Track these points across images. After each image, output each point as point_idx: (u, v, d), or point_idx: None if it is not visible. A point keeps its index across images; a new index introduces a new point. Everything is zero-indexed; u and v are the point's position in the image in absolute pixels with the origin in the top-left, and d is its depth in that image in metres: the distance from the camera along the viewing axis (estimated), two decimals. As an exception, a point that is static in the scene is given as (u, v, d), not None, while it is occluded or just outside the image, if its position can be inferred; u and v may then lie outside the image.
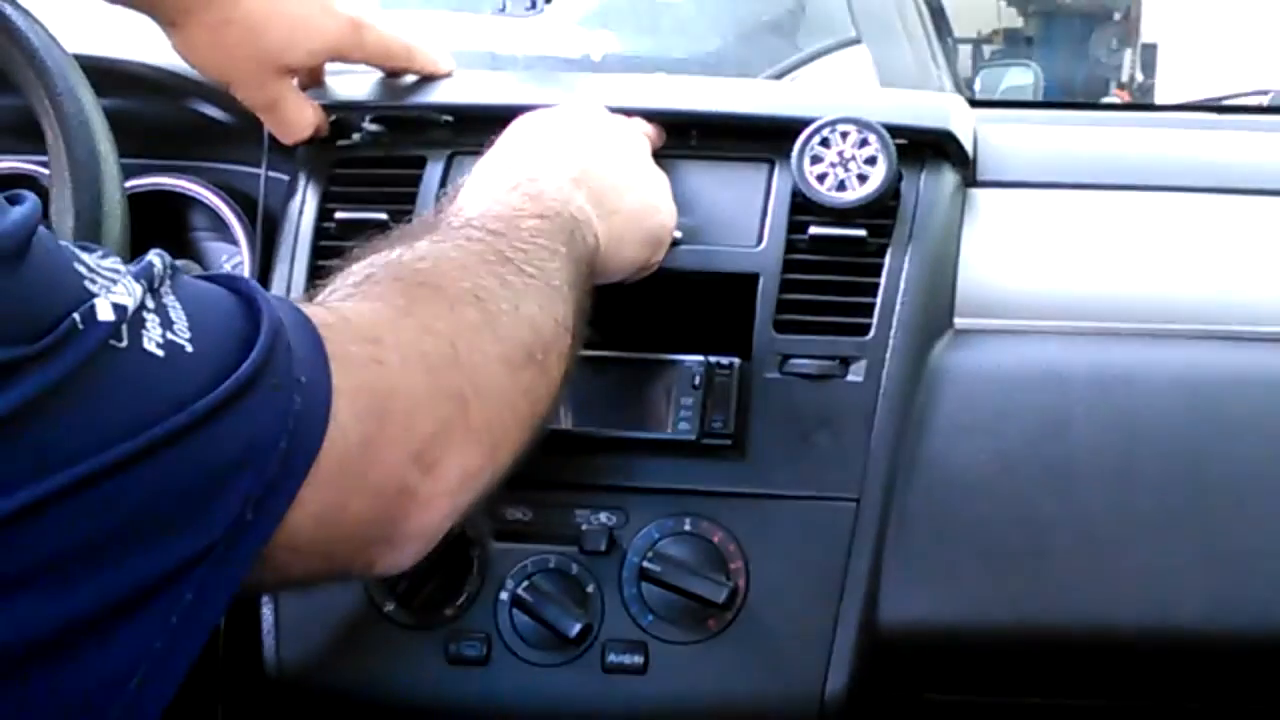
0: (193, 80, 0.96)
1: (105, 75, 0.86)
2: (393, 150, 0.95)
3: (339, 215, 0.91)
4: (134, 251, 0.83)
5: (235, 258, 0.98)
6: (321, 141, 0.96)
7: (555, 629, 0.80)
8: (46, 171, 0.83)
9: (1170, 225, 0.94)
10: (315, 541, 0.52)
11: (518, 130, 0.78)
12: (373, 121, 0.97)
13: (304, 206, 0.93)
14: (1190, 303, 0.90)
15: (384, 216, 0.90)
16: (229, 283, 0.54)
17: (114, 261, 0.49)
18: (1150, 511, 0.83)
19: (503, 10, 1.04)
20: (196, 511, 0.47)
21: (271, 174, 0.95)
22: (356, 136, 0.97)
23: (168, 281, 0.50)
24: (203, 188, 0.98)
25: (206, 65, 0.88)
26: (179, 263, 0.51)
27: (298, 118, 0.91)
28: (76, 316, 0.45)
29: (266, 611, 0.83)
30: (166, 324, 0.48)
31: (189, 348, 0.48)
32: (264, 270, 0.93)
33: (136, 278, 0.48)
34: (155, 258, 0.50)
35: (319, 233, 0.92)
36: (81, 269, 0.47)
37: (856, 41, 2.25)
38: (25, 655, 0.44)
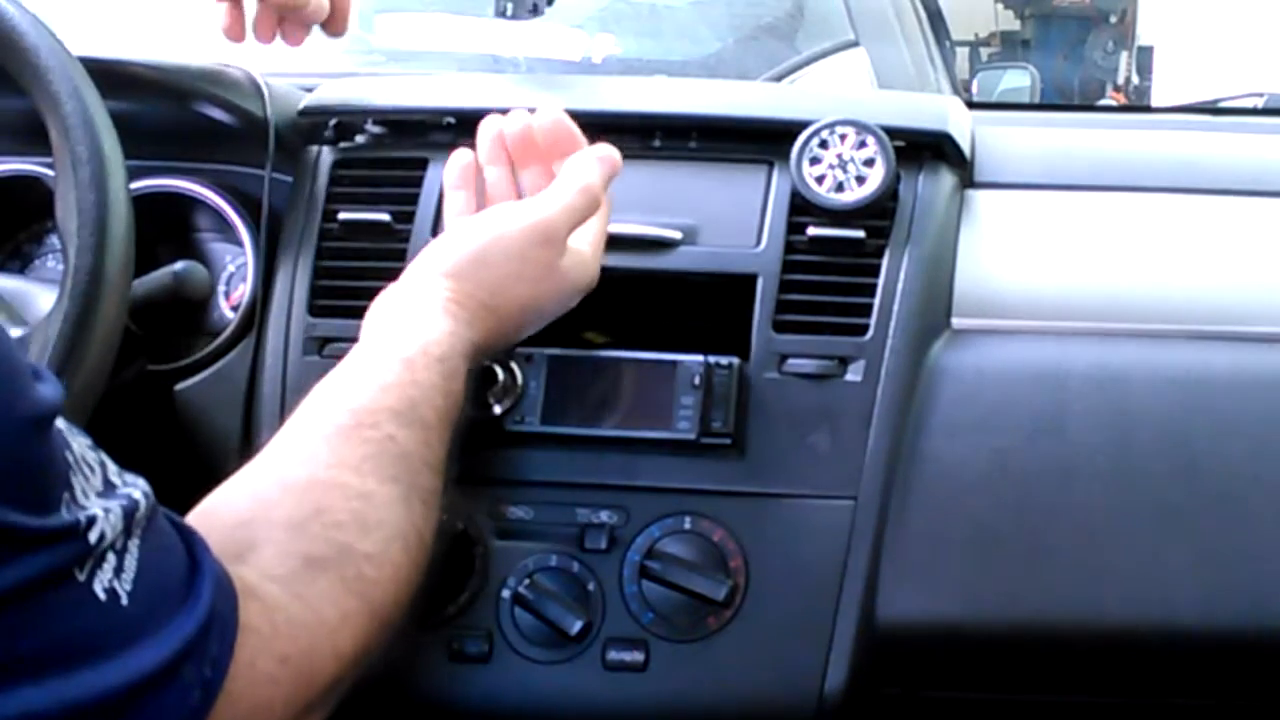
0: (197, 82, 0.96)
1: (109, 77, 0.86)
2: (395, 152, 0.95)
3: (342, 216, 0.92)
4: (138, 252, 0.83)
5: (239, 258, 0.99)
6: (325, 143, 0.97)
7: (556, 626, 0.81)
8: (51, 173, 0.84)
9: (1166, 226, 0.95)
10: None
11: (386, 297, 0.78)
12: (375, 124, 0.97)
13: (307, 207, 0.93)
14: (1185, 303, 0.90)
15: (386, 217, 0.91)
16: (188, 543, 0.56)
17: (107, 476, 0.52)
18: (1146, 510, 0.83)
19: (504, 13, 1.04)
20: None
21: (275, 175, 0.96)
22: (359, 138, 0.97)
23: (139, 529, 0.52)
24: (207, 189, 0.98)
25: None
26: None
27: None
28: (82, 520, 0.49)
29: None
30: (118, 570, 0.50)
31: (125, 600, 0.50)
32: (268, 270, 0.94)
33: (125, 513, 0.51)
34: (142, 498, 0.53)
35: (322, 233, 0.92)
36: (87, 468, 0.51)
37: (855, 44, 2.26)
38: None
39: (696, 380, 0.84)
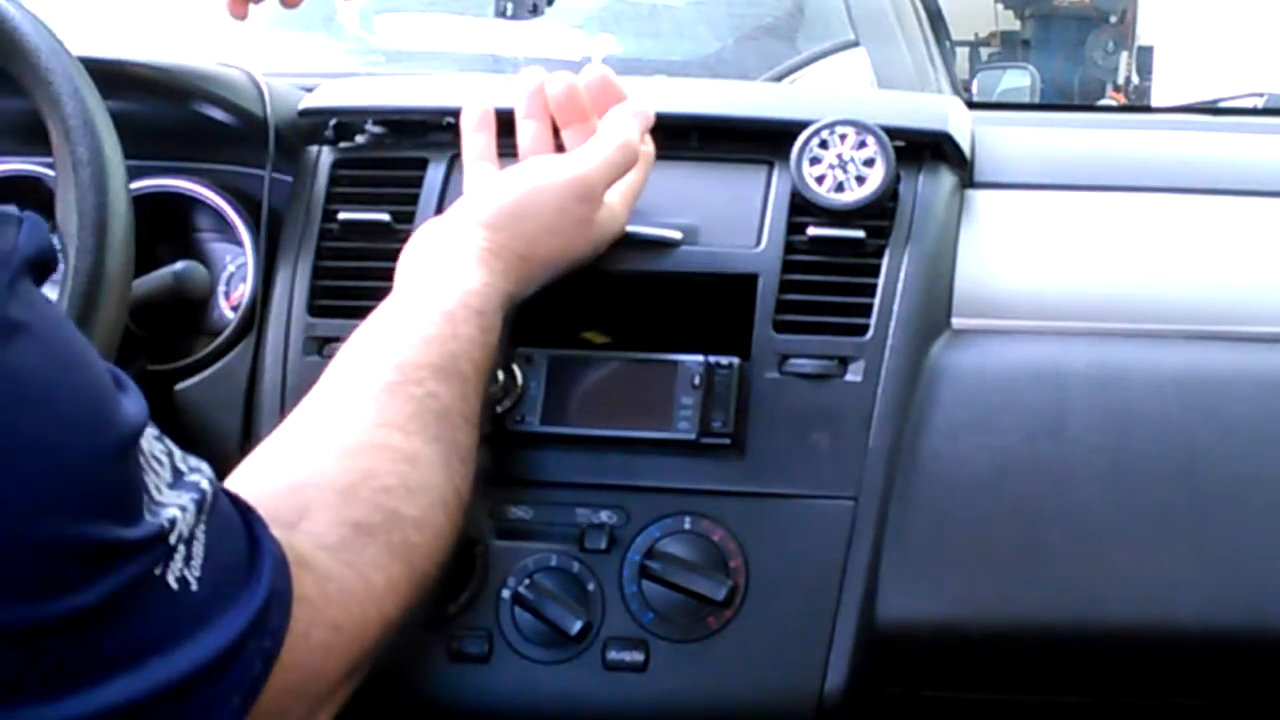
0: (197, 82, 0.96)
1: (110, 77, 0.86)
2: (395, 152, 0.95)
3: (342, 216, 0.92)
4: (138, 252, 0.83)
5: (239, 258, 0.99)
6: (325, 143, 0.97)
7: (556, 626, 0.81)
8: (52, 173, 0.84)
9: (1166, 226, 0.95)
10: None
11: (415, 247, 0.80)
12: (375, 124, 0.97)
13: (307, 207, 0.93)
14: (1185, 303, 0.90)
15: (386, 218, 0.91)
16: (247, 522, 0.57)
17: (175, 465, 0.53)
18: (1146, 510, 0.83)
19: (504, 13, 1.04)
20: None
21: (275, 175, 0.96)
22: (359, 139, 0.97)
23: (206, 516, 0.53)
24: (207, 189, 0.98)
25: None
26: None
27: None
28: (165, 523, 0.50)
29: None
30: (188, 559, 0.52)
31: (195, 586, 0.52)
32: (268, 270, 0.94)
33: (196, 505, 0.53)
34: (208, 484, 0.54)
35: (323, 234, 0.92)
36: (157, 463, 0.52)
37: (855, 44, 2.26)
38: None
39: (696, 380, 0.84)
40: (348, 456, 0.66)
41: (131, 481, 0.50)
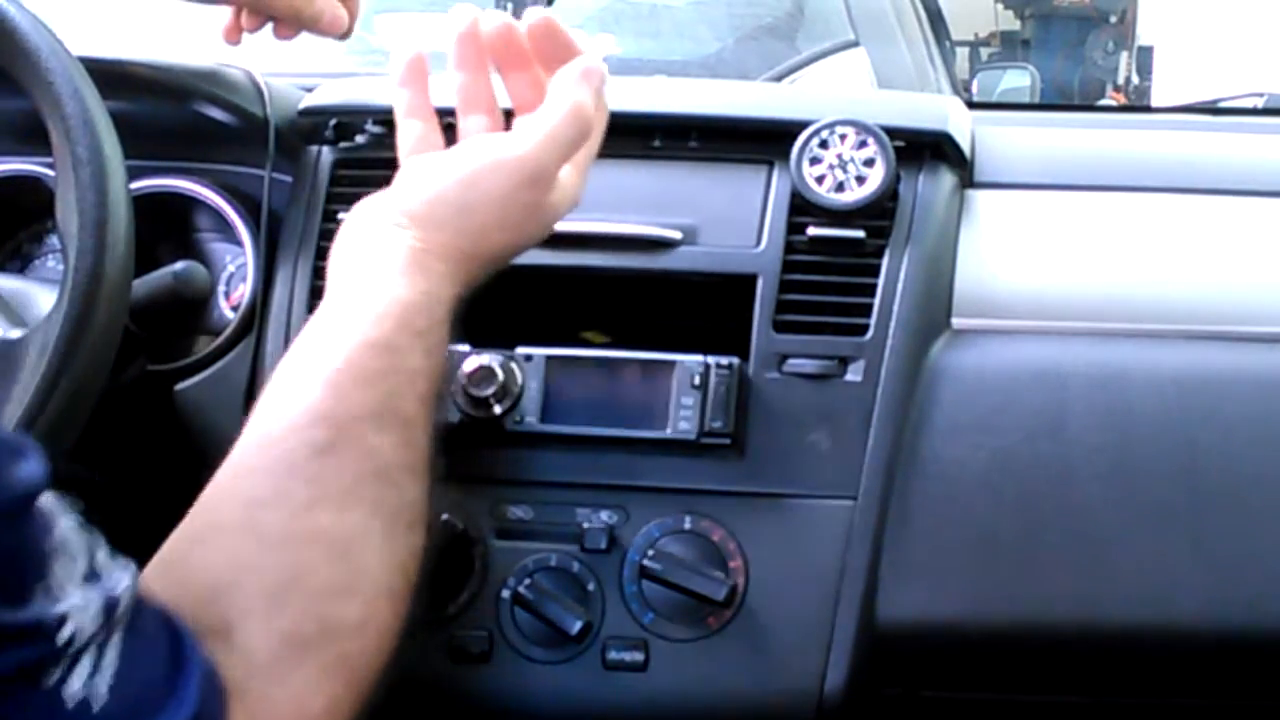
0: (197, 82, 0.96)
1: (110, 77, 0.86)
2: (395, 152, 0.95)
3: (342, 216, 0.90)
4: (138, 252, 0.83)
5: (239, 258, 0.99)
6: (325, 143, 0.97)
7: (556, 626, 0.81)
8: (52, 173, 0.84)
9: (1166, 226, 0.95)
10: None
11: (346, 245, 0.69)
12: (375, 124, 0.97)
13: (307, 208, 0.93)
14: (1185, 303, 0.90)
15: (386, 217, 0.91)
16: (174, 637, 0.52)
17: (93, 563, 0.48)
18: (1146, 510, 0.83)
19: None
20: None
21: (275, 175, 0.96)
22: (359, 138, 0.97)
23: (122, 624, 0.49)
24: (207, 189, 0.98)
25: None
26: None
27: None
28: (53, 617, 0.45)
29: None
30: (95, 670, 0.47)
31: (97, 705, 0.47)
32: (268, 270, 0.94)
33: (105, 607, 0.48)
34: (127, 590, 0.49)
35: (322, 233, 0.92)
36: (60, 561, 0.46)
37: (855, 44, 2.26)
38: None
39: (696, 380, 0.84)
40: (275, 550, 0.58)
41: (15, 557, 0.45)
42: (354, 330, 0.63)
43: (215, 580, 0.56)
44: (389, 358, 0.63)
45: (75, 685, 0.46)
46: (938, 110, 0.96)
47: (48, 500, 0.47)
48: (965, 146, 0.94)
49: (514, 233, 0.71)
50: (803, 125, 0.90)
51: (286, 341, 0.90)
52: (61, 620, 0.45)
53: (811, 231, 0.88)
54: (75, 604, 0.46)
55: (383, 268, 0.66)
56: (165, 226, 1.00)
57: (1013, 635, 0.84)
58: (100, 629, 0.47)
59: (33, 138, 0.86)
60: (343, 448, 0.60)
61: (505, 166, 0.70)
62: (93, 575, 0.48)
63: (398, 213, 0.68)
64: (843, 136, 0.89)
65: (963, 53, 7.19)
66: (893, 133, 0.90)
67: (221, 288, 1.01)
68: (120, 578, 0.49)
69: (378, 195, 0.70)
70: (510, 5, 1.05)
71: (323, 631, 0.57)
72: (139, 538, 0.57)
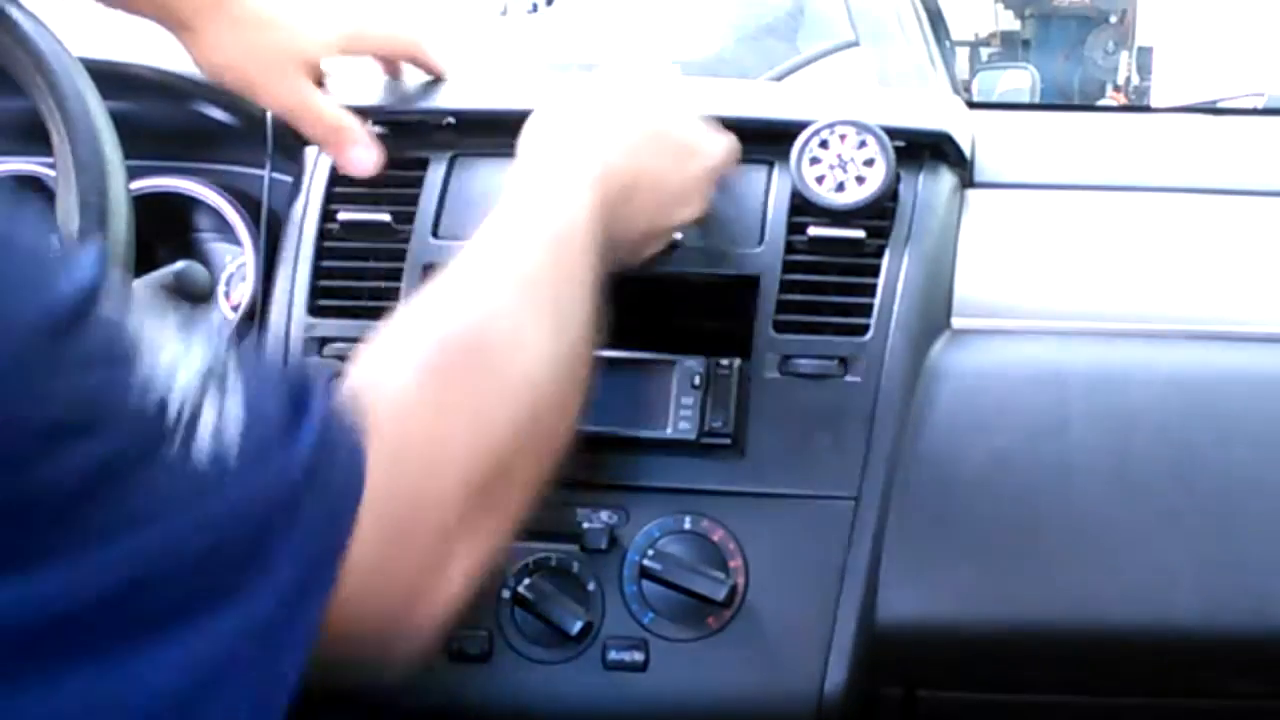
0: (197, 82, 0.96)
1: (110, 77, 0.86)
2: (395, 152, 0.95)
3: (342, 216, 0.92)
4: (138, 252, 0.83)
5: (239, 258, 0.99)
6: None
7: (556, 626, 0.81)
8: (52, 173, 0.84)
9: (1166, 226, 0.95)
10: (332, 637, 0.53)
11: (537, 137, 0.75)
12: (375, 124, 0.97)
13: (307, 207, 0.93)
14: (1185, 303, 0.90)
15: (386, 218, 0.91)
16: (284, 368, 0.55)
17: (181, 336, 0.49)
18: (1146, 510, 0.83)
19: (504, 13, 1.04)
20: (236, 604, 0.48)
21: (275, 175, 0.96)
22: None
23: (230, 376, 0.50)
24: (207, 189, 0.98)
25: (223, 68, 0.88)
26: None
27: (328, 112, 0.89)
28: (160, 393, 0.46)
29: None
30: (220, 421, 0.48)
31: (233, 450, 0.48)
32: (268, 270, 0.94)
33: (205, 371, 0.49)
34: (218, 347, 0.50)
35: (322, 234, 0.92)
36: (154, 344, 0.48)
37: (855, 44, 2.26)
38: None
39: (697, 380, 0.84)
40: (421, 310, 0.62)
41: (101, 348, 0.46)
42: (538, 220, 0.68)
43: (369, 349, 0.60)
44: (561, 249, 0.68)
45: (203, 442, 0.47)
46: (938, 110, 0.96)
47: (116, 296, 0.48)
48: (965, 146, 0.94)
49: (666, 185, 0.77)
50: (802, 125, 0.89)
51: (286, 341, 0.90)
52: (167, 391, 0.47)
53: (812, 232, 0.88)
54: (177, 375, 0.48)
55: (560, 182, 0.71)
56: (165, 226, 1.00)
57: (1012, 635, 0.84)
58: (205, 387, 0.48)
59: (33, 138, 0.86)
60: (508, 262, 0.65)
61: (700, 154, 0.79)
62: (188, 339, 0.49)
63: (573, 137, 0.74)
64: (843, 137, 0.89)
65: (963, 53, 7.19)
66: (893, 133, 0.90)
67: (221, 288, 1.01)
68: (209, 336, 0.51)
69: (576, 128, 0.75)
70: (507, 7, 1.05)
71: (467, 349, 0.60)
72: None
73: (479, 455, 0.58)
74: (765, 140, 0.92)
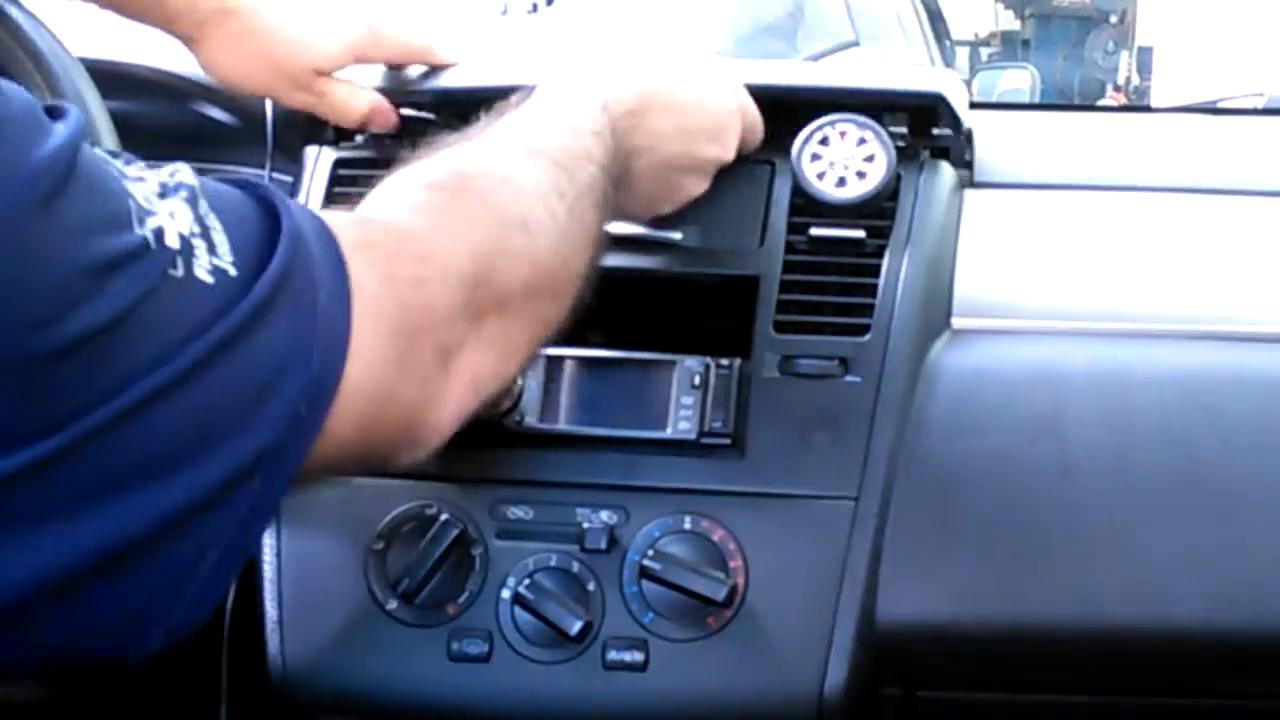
0: (197, 82, 0.96)
1: (110, 78, 0.86)
2: (395, 152, 0.95)
3: (342, 216, 0.92)
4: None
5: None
6: (325, 143, 0.97)
7: (556, 626, 0.81)
8: (52, 173, 0.84)
9: (1166, 226, 0.95)
10: (354, 432, 0.55)
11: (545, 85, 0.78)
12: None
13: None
14: (1186, 303, 0.90)
15: (386, 218, 0.91)
16: (250, 190, 0.55)
17: (154, 174, 0.51)
18: (1146, 510, 0.83)
19: (504, 13, 1.04)
20: (258, 411, 0.50)
21: (275, 175, 0.96)
22: (359, 138, 0.97)
23: (202, 199, 0.51)
24: (206, 189, 0.98)
25: (233, 77, 0.88)
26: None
27: (351, 99, 0.90)
28: (149, 235, 0.48)
29: (270, 609, 0.84)
30: (211, 248, 0.50)
31: (232, 271, 0.50)
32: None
33: (188, 202, 0.50)
34: (187, 175, 0.52)
35: (322, 234, 0.92)
36: (133, 187, 0.49)
37: (855, 44, 2.26)
38: (125, 550, 0.48)
39: (696, 380, 0.84)
40: (434, 160, 0.66)
41: (92, 192, 0.47)
42: (551, 112, 0.72)
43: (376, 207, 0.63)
44: (572, 128, 0.71)
45: (204, 264, 0.49)
46: (934, 77, 0.96)
47: (95, 150, 0.50)
48: (962, 114, 0.94)
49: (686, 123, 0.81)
50: (820, 93, 0.90)
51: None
52: (161, 228, 0.48)
53: (813, 231, 0.88)
54: (164, 211, 0.49)
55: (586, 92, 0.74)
56: (165, 226, 1.00)
57: (1013, 635, 0.84)
58: (195, 220, 0.50)
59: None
60: (528, 155, 0.68)
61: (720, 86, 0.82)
62: (165, 184, 0.51)
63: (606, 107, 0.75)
64: (844, 133, 0.89)
65: (963, 53, 7.19)
66: (891, 105, 0.89)
67: (222, 288, 1.01)
68: (184, 174, 0.52)
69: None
70: (507, 6, 1.05)
71: (457, 174, 0.64)
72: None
73: (471, 260, 0.61)
74: (766, 140, 0.92)
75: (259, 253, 0.52)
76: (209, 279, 0.49)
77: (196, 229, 0.50)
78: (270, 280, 0.51)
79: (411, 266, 0.58)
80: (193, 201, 0.51)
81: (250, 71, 0.87)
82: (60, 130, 0.47)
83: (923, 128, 0.93)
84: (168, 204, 0.50)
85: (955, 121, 0.94)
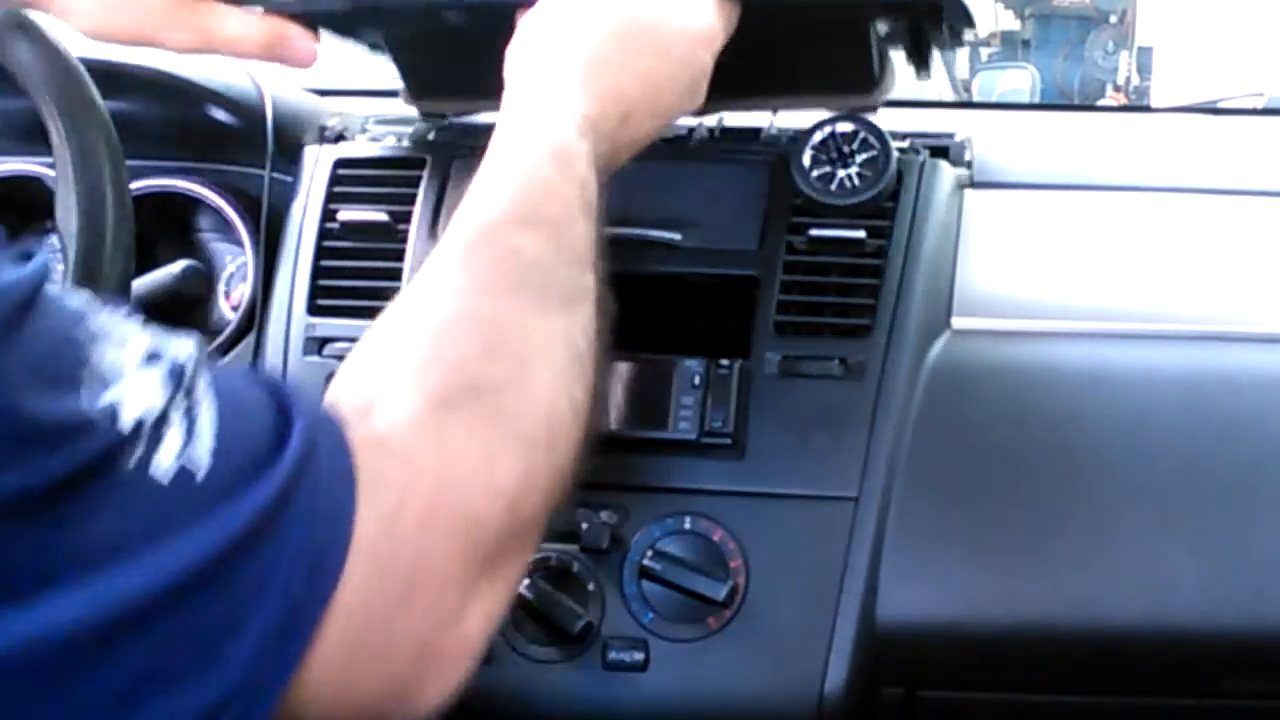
0: (197, 82, 0.97)
1: (110, 77, 0.86)
2: (395, 152, 0.95)
3: (341, 216, 0.92)
4: (138, 252, 0.83)
5: (239, 258, 0.99)
6: (325, 143, 0.97)
7: (557, 626, 0.81)
8: (52, 173, 0.84)
9: (1166, 226, 0.95)
10: (330, 692, 0.48)
11: (522, 56, 0.70)
12: (375, 124, 0.98)
13: (307, 207, 0.93)
14: (1186, 303, 0.90)
15: (385, 217, 0.91)
16: (267, 387, 0.49)
17: (144, 338, 0.45)
18: (1146, 510, 0.83)
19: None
20: (211, 657, 0.43)
21: (275, 175, 0.96)
22: (359, 138, 0.98)
23: (200, 380, 0.45)
24: (207, 189, 0.98)
25: (97, 26, 0.73)
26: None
27: (244, 28, 0.74)
28: (97, 409, 0.41)
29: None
30: (187, 441, 0.43)
31: (200, 476, 0.43)
32: (268, 270, 0.94)
33: (170, 376, 0.44)
34: (185, 348, 0.46)
35: (322, 233, 0.92)
36: (105, 347, 0.43)
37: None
38: None
39: (696, 380, 0.84)
40: (415, 335, 0.57)
41: (42, 347, 0.41)
42: (493, 162, 0.64)
43: (360, 371, 0.56)
44: (520, 175, 0.63)
45: (166, 461, 0.43)
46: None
47: (68, 295, 0.44)
48: (966, 147, 0.94)
49: (636, 50, 0.70)
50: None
51: (286, 341, 0.90)
52: (116, 403, 0.42)
53: (812, 232, 0.88)
54: (132, 384, 0.43)
55: (514, 107, 0.67)
56: (165, 226, 1.00)
57: (1013, 635, 0.84)
58: (172, 400, 0.43)
59: (33, 138, 0.86)
60: (482, 246, 0.60)
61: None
62: (154, 355, 0.44)
63: (518, 58, 0.69)
64: (844, 135, 0.89)
65: (963, 53, 7.18)
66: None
67: (221, 288, 1.01)
68: (183, 346, 0.46)
69: (540, 32, 0.70)
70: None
71: (470, 388, 0.55)
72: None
73: (490, 500, 0.53)
74: (767, 139, 0.91)
75: (252, 463, 0.45)
76: (163, 480, 0.42)
77: (175, 414, 0.43)
78: (254, 508, 0.44)
79: (419, 509, 0.50)
80: (176, 378, 0.44)
81: (112, 14, 0.73)
82: (25, 267, 0.42)
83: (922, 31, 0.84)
84: (143, 375, 0.43)
85: (961, 154, 0.94)
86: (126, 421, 0.42)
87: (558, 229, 0.62)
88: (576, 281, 0.63)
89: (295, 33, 0.75)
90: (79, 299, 0.44)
